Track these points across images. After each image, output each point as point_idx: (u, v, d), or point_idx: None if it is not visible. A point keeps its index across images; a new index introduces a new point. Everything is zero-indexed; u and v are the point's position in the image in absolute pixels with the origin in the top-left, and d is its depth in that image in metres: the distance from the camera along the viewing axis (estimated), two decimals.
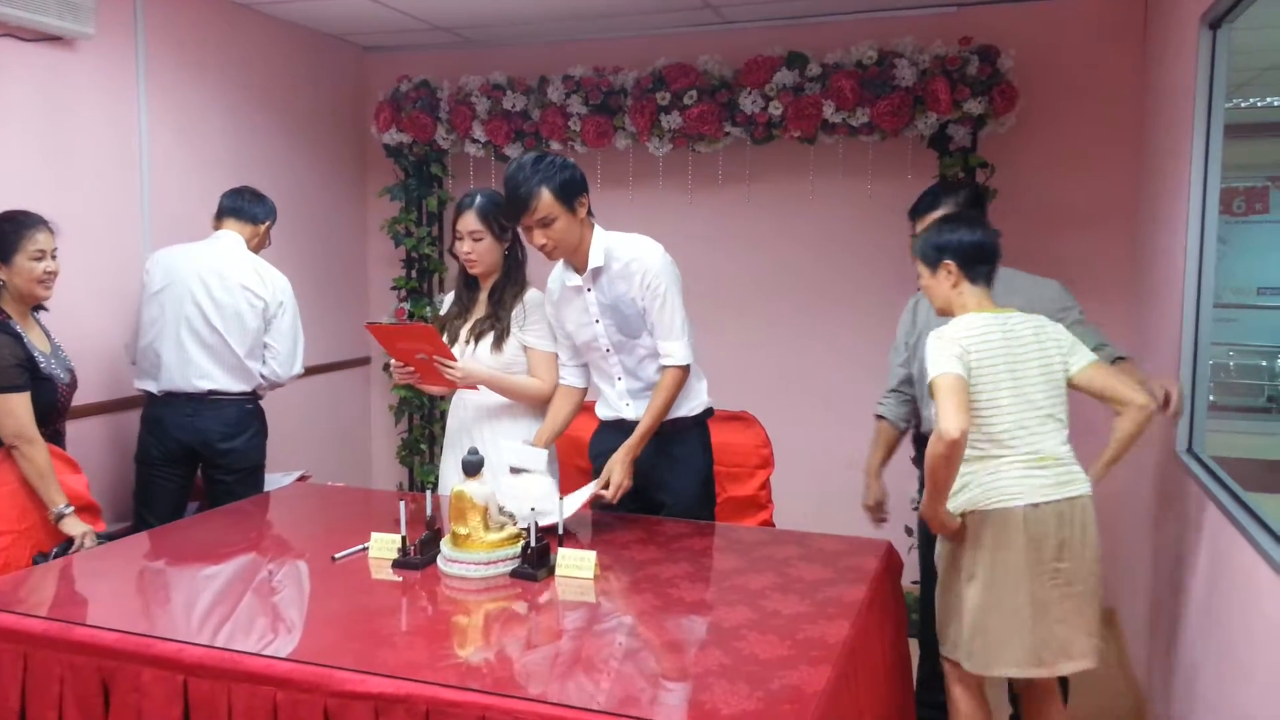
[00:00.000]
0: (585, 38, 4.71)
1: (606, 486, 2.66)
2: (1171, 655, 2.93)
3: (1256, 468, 3.49)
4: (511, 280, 2.98)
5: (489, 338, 2.93)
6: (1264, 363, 5.96)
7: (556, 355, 2.93)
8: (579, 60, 4.53)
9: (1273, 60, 4.04)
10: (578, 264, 2.73)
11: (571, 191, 2.60)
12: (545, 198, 2.56)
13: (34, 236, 2.83)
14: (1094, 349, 2.53)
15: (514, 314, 2.94)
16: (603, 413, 2.92)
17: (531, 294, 2.97)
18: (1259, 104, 4.65)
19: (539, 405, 2.97)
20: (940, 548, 2.54)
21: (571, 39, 4.73)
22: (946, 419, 2.24)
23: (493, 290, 2.99)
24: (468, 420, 3.04)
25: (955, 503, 2.40)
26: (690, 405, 2.83)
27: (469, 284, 3.05)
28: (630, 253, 2.70)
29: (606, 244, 2.70)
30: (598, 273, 2.71)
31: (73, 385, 3.00)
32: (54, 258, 2.88)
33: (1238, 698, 2.21)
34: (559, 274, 2.81)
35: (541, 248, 2.64)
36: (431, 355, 2.83)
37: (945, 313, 2.51)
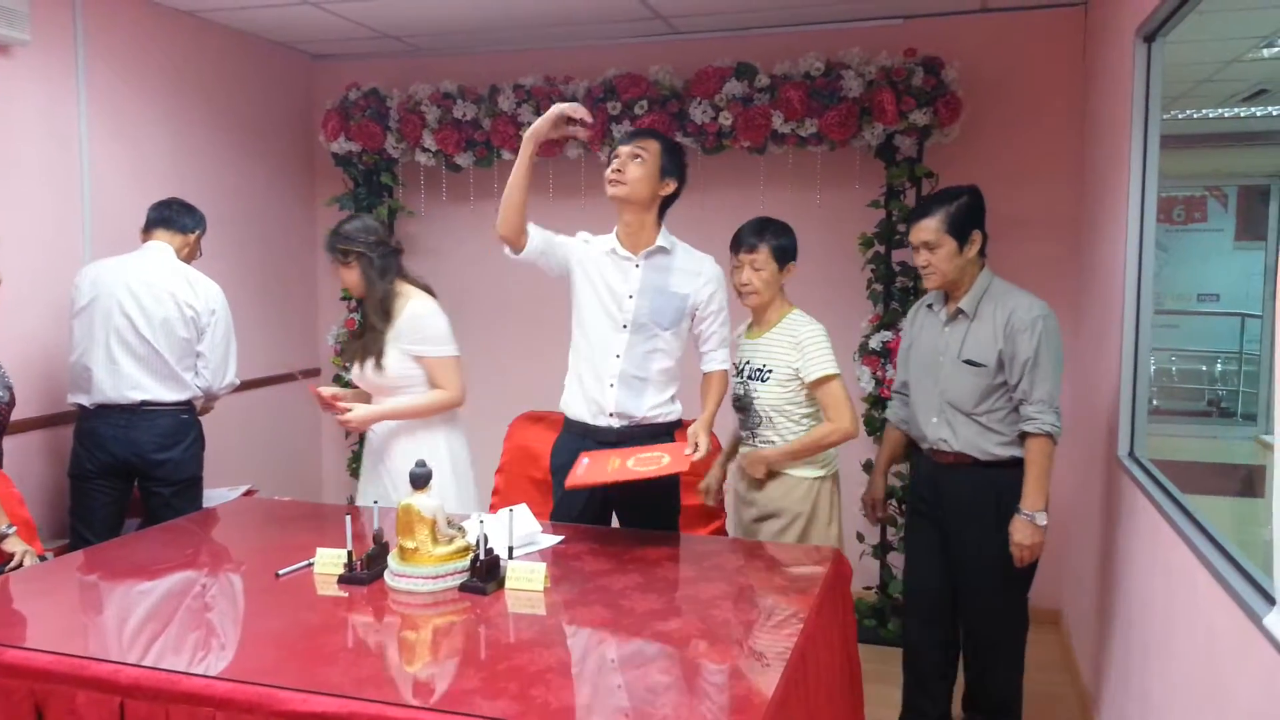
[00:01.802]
0: (536, 47, 4.70)
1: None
2: (1116, 658, 2.98)
3: (1198, 471, 3.57)
4: (372, 298, 3.04)
5: (370, 359, 3.04)
6: (1204, 367, 6.10)
7: (457, 359, 3.05)
8: (530, 69, 4.53)
9: (1207, 73, 4.15)
10: (635, 242, 2.81)
11: (672, 163, 2.77)
12: (653, 146, 2.74)
13: None
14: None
15: (396, 329, 3.00)
16: (574, 409, 2.88)
17: (414, 304, 3.02)
18: (1195, 115, 4.77)
19: (448, 414, 3.10)
20: (805, 505, 2.89)
21: (522, 48, 4.72)
22: (854, 420, 2.83)
23: (365, 310, 3.10)
24: (375, 443, 3.18)
25: (813, 470, 2.91)
26: (667, 410, 2.85)
27: (359, 304, 3.20)
28: (699, 258, 2.87)
29: (674, 240, 2.87)
30: (657, 253, 2.81)
31: (11, 403, 2.95)
32: None
33: (1180, 700, 2.25)
34: (604, 241, 2.87)
35: (614, 173, 2.72)
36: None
37: (765, 304, 2.92)
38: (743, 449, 3.02)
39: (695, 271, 2.82)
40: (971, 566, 2.86)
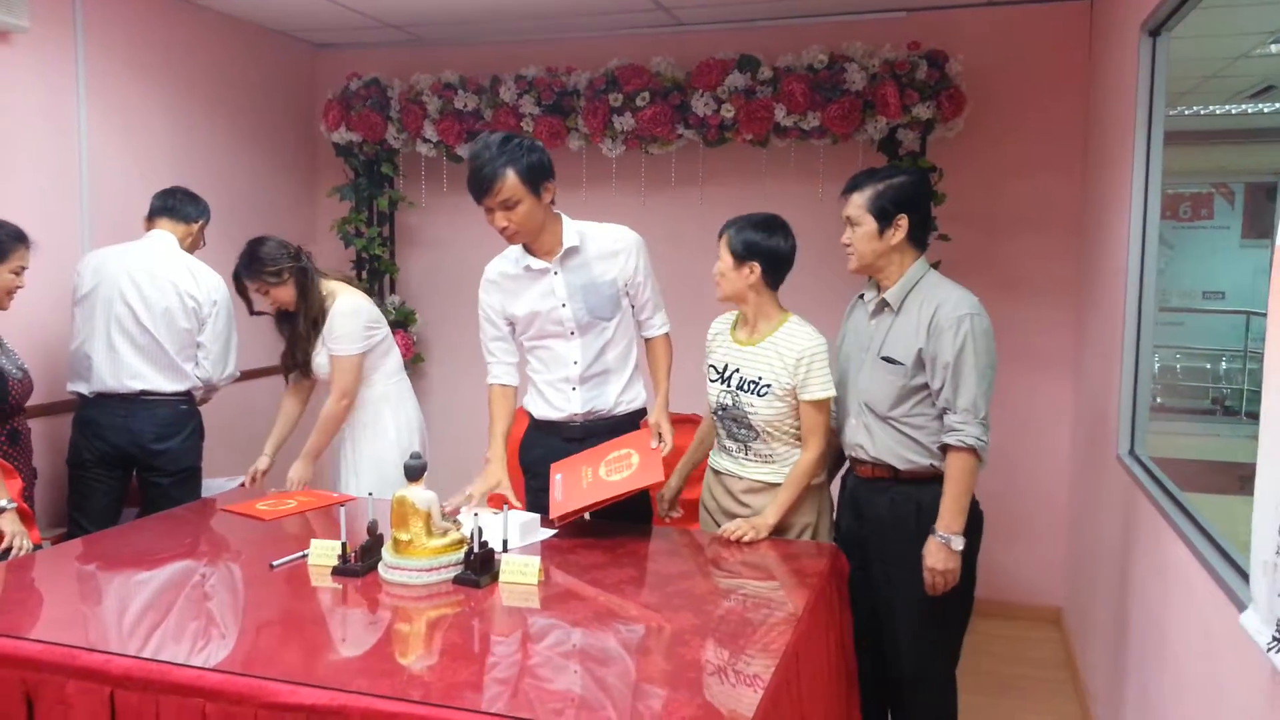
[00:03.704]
0: (538, 38, 4.68)
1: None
2: (1116, 657, 2.97)
3: (1199, 468, 3.55)
4: (311, 306, 3.28)
5: (296, 369, 3.36)
6: (1208, 365, 6.08)
7: (352, 358, 3.25)
8: (532, 60, 4.51)
9: (1214, 69, 4.12)
10: (541, 248, 2.70)
11: (538, 175, 2.56)
12: (510, 180, 2.51)
13: (23, 252, 2.94)
14: None
15: (322, 334, 3.28)
16: (538, 410, 2.86)
17: (339, 303, 3.25)
18: (1201, 111, 4.74)
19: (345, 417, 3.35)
20: (810, 515, 2.69)
21: (524, 39, 4.70)
22: (826, 443, 2.64)
23: (290, 321, 3.33)
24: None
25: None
26: (630, 398, 2.83)
27: (286, 317, 3.39)
28: (611, 236, 2.76)
29: (579, 228, 2.73)
30: (570, 255, 2.70)
31: (26, 385, 3.00)
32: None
33: (1177, 700, 2.24)
34: (512, 259, 2.76)
35: (502, 230, 2.60)
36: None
37: (733, 299, 2.67)
38: (720, 457, 2.78)
39: (612, 252, 2.73)
40: (896, 594, 2.59)
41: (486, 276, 2.82)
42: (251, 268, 3.26)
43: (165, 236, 3.43)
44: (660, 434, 2.64)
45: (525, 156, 2.53)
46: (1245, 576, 1.82)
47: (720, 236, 2.64)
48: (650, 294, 2.81)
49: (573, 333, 2.75)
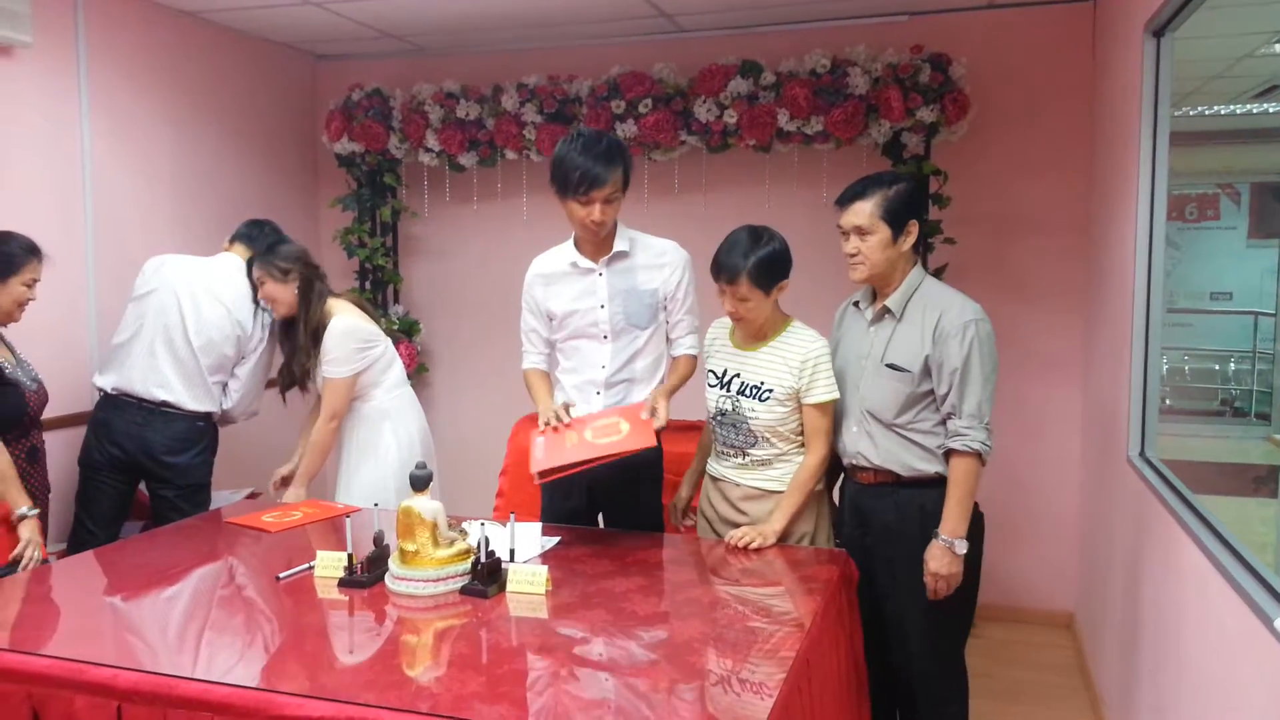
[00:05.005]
0: (540, 46, 4.68)
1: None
2: (1128, 660, 2.95)
3: (1210, 471, 3.53)
4: (309, 321, 3.24)
5: (295, 386, 3.34)
6: (1217, 366, 6.05)
7: (343, 381, 3.19)
8: (533, 68, 4.51)
9: (1218, 69, 4.11)
10: (596, 250, 2.74)
11: (628, 182, 2.68)
12: (619, 176, 2.62)
13: (35, 265, 2.96)
14: None
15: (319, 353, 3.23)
16: None
17: (334, 322, 3.20)
18: (1206, 112, 4.73)
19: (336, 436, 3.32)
20: (809, 524, 2.66)
21: (526, 47, 4.70)
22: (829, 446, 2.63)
23: (291, 332, 3.30)
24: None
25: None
26: None
27: (284, 326, 3.37)
28: (661, 247, 2.81)
29: (630, 235, 2.78)
30: (617, 258, 2.74)
31: (42, 395, 3.02)
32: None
33: (1192, 704, 2.22)
34: (561, 255, 2.80)
35: (598, 224, 2.64)
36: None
37: (762, 328, 2.62)
38: (717, 464, 2.74)
39: (658, 264, 2.77)
40: (906, 599, 2.56)
41: (532, 270, 2.86)
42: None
43: (236, 262, 3.47)
44: (655, 408, 2.59)
45: (629, 162, 2.67)
46: (1260, 579, 1.80)
47: (735, 279, 2.49)
48: (685, 314, 2.82)
49: (605, 336, 2.76)
